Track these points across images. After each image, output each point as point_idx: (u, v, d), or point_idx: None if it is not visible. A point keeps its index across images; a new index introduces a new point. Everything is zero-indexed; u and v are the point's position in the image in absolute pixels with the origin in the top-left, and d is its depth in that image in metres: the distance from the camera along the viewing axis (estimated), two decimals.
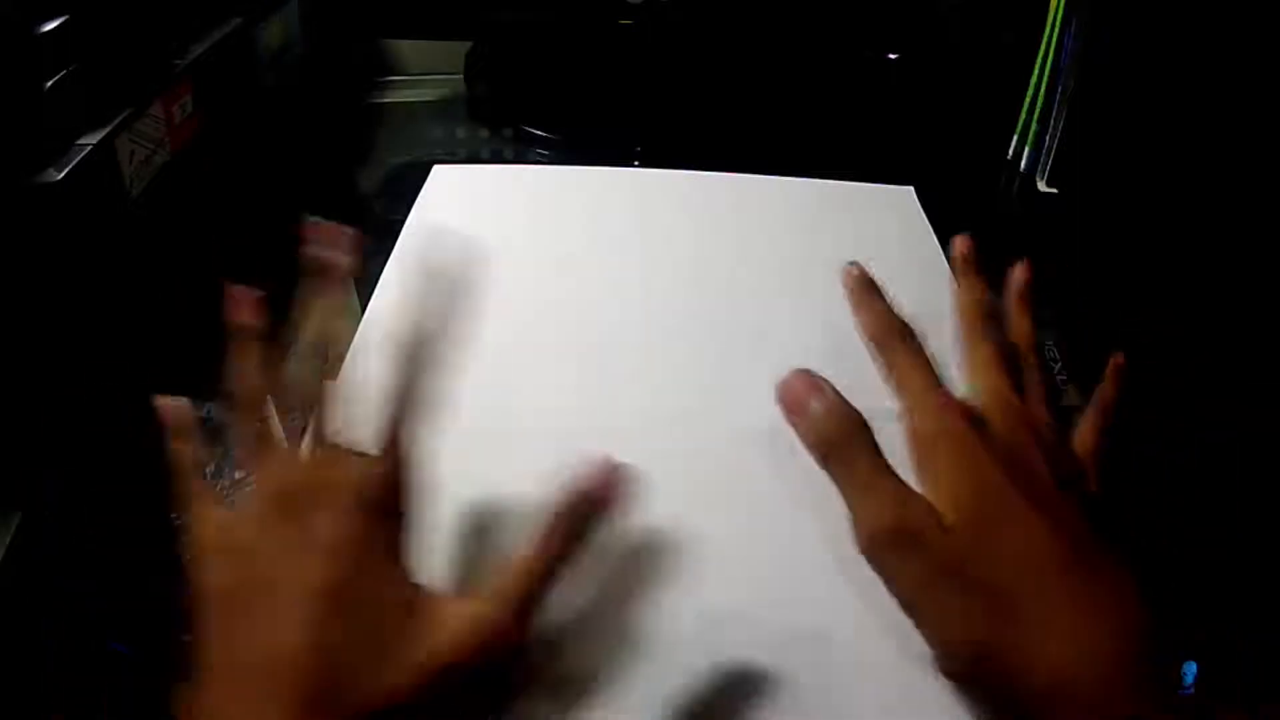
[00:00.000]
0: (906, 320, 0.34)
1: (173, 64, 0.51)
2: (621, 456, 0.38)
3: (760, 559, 0.35)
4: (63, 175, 0.41)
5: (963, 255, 0.38)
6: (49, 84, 0.41)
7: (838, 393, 0.30)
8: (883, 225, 0.55)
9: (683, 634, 0.32)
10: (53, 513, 0.37)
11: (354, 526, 0.25)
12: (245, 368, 0.32)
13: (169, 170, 0.50)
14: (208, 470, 0.39)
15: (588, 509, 0.27)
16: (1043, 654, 0.26)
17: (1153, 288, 0.54)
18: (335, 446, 0.28)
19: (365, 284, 0.49)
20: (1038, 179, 0.62)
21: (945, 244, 0.53)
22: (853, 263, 0.36)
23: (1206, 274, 0.55)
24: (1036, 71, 0.60)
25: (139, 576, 0.34)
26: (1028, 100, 0.61)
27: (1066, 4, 0.57)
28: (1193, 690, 0.32)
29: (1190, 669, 0.32)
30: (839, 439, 0.30)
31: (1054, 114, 0.59)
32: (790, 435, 0.39)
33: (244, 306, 0.34)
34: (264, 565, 0.25)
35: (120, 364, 0.45)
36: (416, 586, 0.26)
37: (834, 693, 0.31)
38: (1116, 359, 0.36)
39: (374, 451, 0.27)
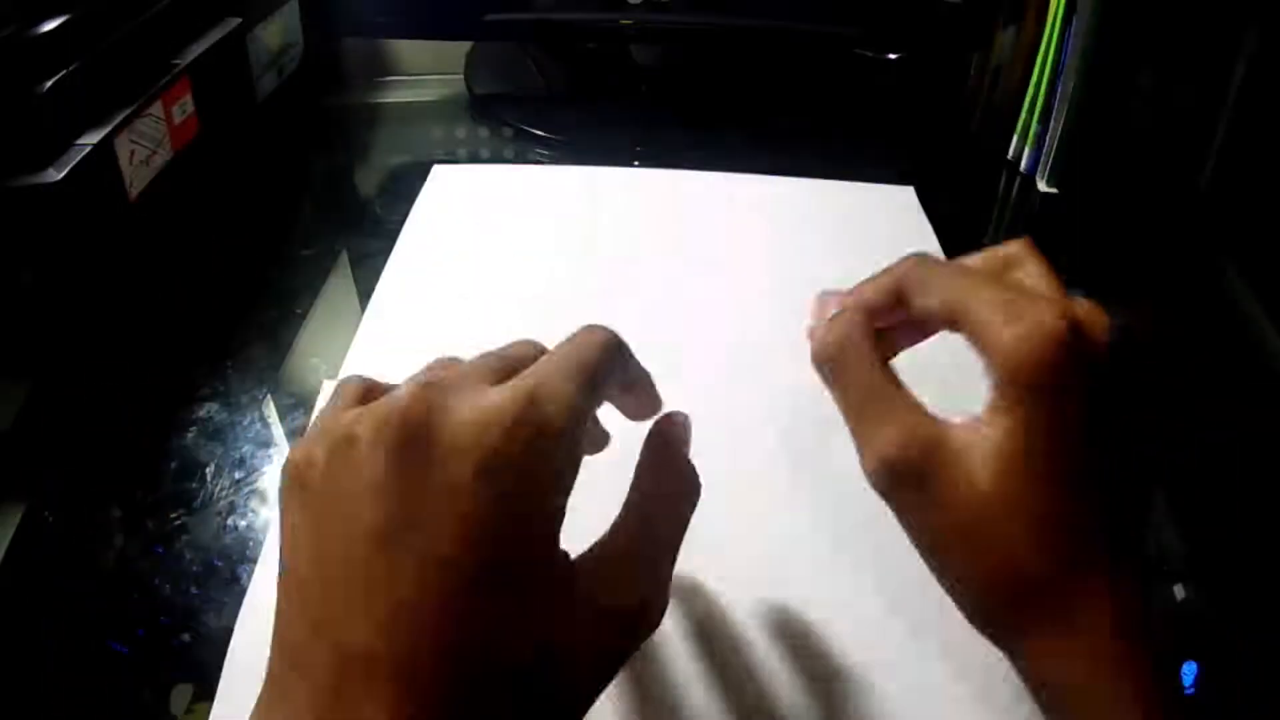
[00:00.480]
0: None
1: (172, 64, 0.51)
2: (623, 454, 0.38)
3: (762, 558, 0.35)
4: (63, 175, 0.41)
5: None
6: (49, 84, 0.42)
7: (850, 309, 0.27)
8: (883, 225, 0.55)
9: (681, 632, 0.32)
10: (53, 513, 0.37)
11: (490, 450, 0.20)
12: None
13: (169, 170, 0.50)
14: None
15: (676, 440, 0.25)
16: (1065, 651, 0.23)
17: (1153, 288, 0.54)
18: (485, 379, 0.22)
19: (367, 284, 0.49)
20: (1038, 179, 0.62)
21: (945, 244, 0.53)
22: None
23: (1207, 274, 0.55)
24: (1036, 71, 0.60)
25: (139, 576, 0.34)
26: (1028, 100, 0.61)
27: (1066, 4, 0.57)
28: (1193, 690, 0.32)
29: (1190, 669, 0.32)
30: (837, 352, 0.26)
31: (1054, 114, 0.59)
32: (790, 435, 0.39)
33: None
34: (386, 512, 0.20)
35: (120, 364, 0.45)
36: (564, 567, 0.22)
37: (833, 686, 0.31)
38: None
39: (549, 370, 0.22)
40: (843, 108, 0.73)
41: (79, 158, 0.42)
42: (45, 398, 0.43)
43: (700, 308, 0.47)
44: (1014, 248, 0.28)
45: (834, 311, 0.28)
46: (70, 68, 0.43)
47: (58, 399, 0.43)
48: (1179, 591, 0.35)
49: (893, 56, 0.73)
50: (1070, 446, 0.24)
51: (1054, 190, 0.61)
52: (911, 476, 0.24)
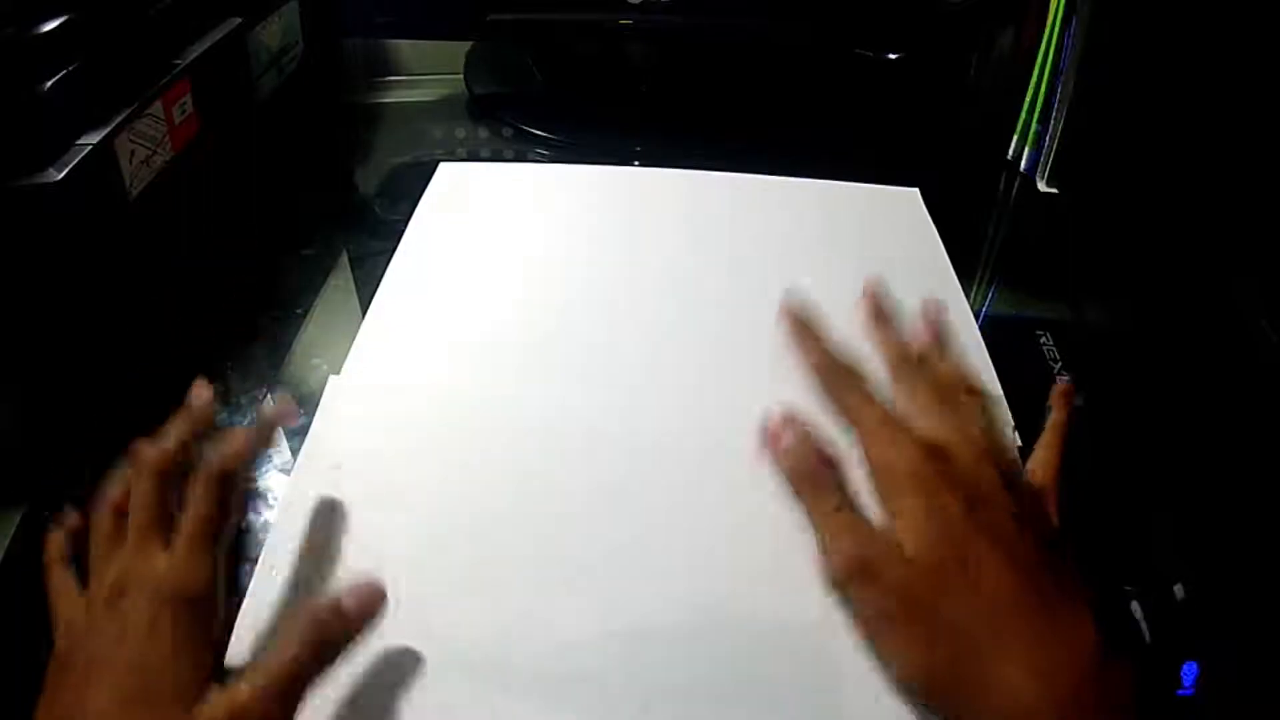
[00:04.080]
0: (848, 357, 0.35)
1: (172, 64, 0.51)
2: (624, 453, 0.38)
3: (754, 560, 0.35)
4: (63, 175, 0.41)
5: (871, 312, 0.39)
6: (49, 84, 0.41)
7: (813, 427, 0.33)
8: (888, 227, 0.55)
9: (669, 635, 0.32)
10: (53, 513, 0.37)
11: (150, 613, 0.29)
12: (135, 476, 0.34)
13: (169, 170, 0.50)
14: None
15: (342, 624, 0.30)
16: (997, 683, 0.27)
17: (1153, 287, 0.54)
18: (153, 541, 0.31)
19: (368, 284, 0.49)
20: (1038, 179, 0.62)
21: (946, 245, 0.53)
22: (794, 299, 0.37)
23: (1207, 274, 0.55)
24: (1036, 71, 0.60)
25: None
26: (1028, 100, 0.61)
27: (1066, 4, 0.57)
28: (1193, 690, 0.32)
29: (1190, 669, 0.32)
30: (808, 471, 0.32)
31: (1054, 114, 0.59)
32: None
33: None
34: (86, 639, 0.30)
35: (120, 364, 0.45)
36: (202, 671, 0.28)
37: (819, 694, 0.31)
38: (1063, 387, 0.37)
39: (186, 548, 0.31)
40: (842, 108, 0.73)
41: (79, 158, 0.42)
42: (45, 397, 0.43)
43: (702, 308, 0.47)
44: (927, 342, 0.37)
45: (789, 433, 0.33)
46: (70, 68, 0.43)
47: (58, 399, 0.43)
48: (1179, 591, 0.35)
49: (893, 56, 0.73)
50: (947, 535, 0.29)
51: (1054, 190, 0.61)
52: (867, 568, 0.30)
